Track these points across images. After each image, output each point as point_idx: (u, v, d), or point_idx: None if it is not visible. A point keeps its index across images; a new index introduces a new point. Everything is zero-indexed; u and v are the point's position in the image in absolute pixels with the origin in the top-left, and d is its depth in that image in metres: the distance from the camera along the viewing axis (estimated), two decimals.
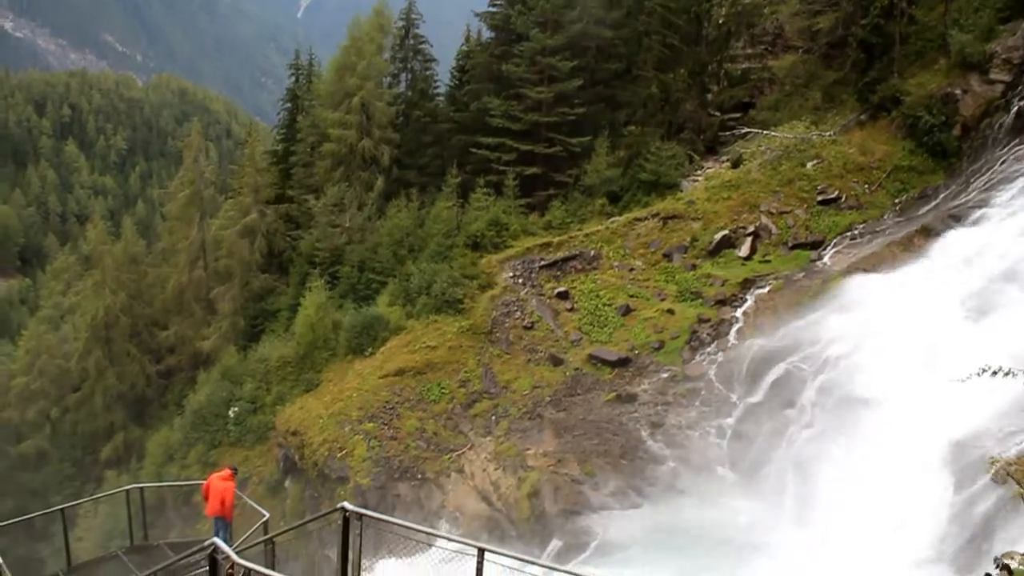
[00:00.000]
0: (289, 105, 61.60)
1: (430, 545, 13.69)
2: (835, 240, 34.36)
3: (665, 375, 31.70)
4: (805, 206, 36.17)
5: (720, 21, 44.83)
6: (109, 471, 53.25)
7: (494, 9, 51.93)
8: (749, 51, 47.05)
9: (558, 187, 45.35)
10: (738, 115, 43.42)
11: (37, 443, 60.45)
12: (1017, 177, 29.12)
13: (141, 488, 20.94)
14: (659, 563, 22.41)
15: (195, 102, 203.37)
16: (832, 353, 26.92)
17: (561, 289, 36.26)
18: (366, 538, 12.64)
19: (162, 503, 38.68)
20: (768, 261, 34.86)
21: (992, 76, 34.47)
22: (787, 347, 28.58)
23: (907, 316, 25.97)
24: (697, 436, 28.71)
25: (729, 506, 25.00)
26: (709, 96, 43.89)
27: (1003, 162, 30.94)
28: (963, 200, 30.73)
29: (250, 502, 20.28)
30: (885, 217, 34.65)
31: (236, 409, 41.30)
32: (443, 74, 58.62)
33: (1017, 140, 31.31)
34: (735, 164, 39.51)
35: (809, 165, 37.33)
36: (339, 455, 32.31)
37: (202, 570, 12.45)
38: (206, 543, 12.51)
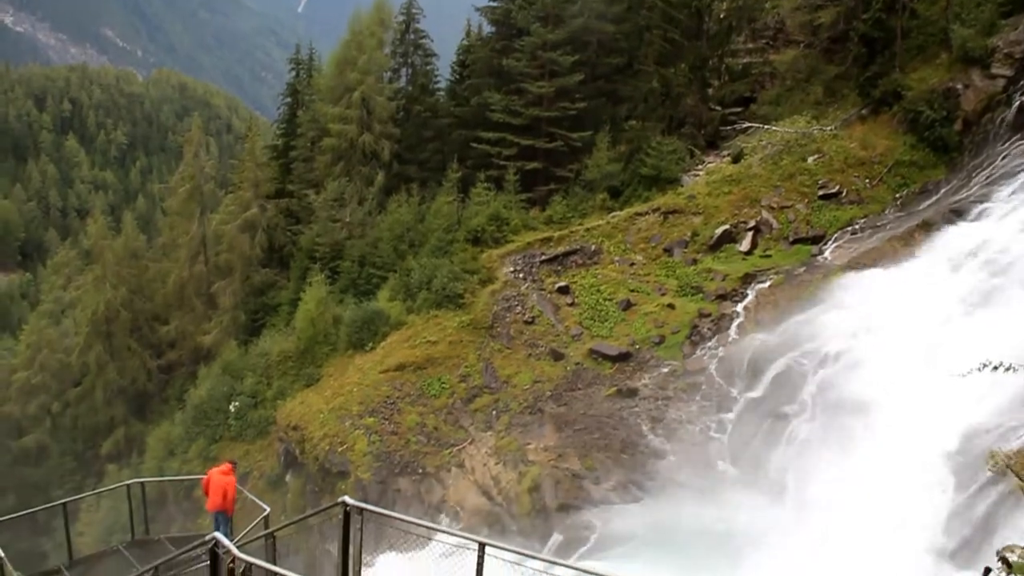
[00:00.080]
0: (289, 100, 61.52)
1: (430, 539, 13.69)
2: (836, 235, 34.30)
3: (666, 370, 31.70)
4: (806, 201, 36.13)
5: (721, 16, 44.74)
6: (110, 465, 53.35)
7: (495, 4, 51.82)
8: (750, 46, 46.98)
9: (559, 182, 45.34)
10: (739, 110, 43.35)
11: (38, 437, 60.51)
12: (1018, 172, 29.06)
13: (142, 483, 20.94)
14: (659, 558, 22.43)
15: (195, 97, 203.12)
16: (833, 348, 26.89)
17: (562, 284, 36.24)
18: (367, 532, 12.64)
19: (163, 497, 38.78)
20: (769, 256, 34.84)
21: (994, 71, 34.40)
22: (788, 342, 28.56)
23: (908, 311, 25.95)
24: (698, 431, 28.72)
25: (729, 501, 24.97)
26: (710, 91, 43.81)
27: (1004, 157, 30.88)
28: (964, 195, 30.68)
29: (251, 496, 20.29)
30: (886, 212, 34.59)
31: (237, 404, 41.36)
32: (444, 69, 58.57)
33: (1019, 135, 31.23)
34: (736, 159, 39.45)
35: (810, 160, 37.29)
36: (340, 450, 32.35)
37: (203, 564, 12.48)
38: (207, 537, 12.54)
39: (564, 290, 36.08)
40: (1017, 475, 13.27)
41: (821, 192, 36.09)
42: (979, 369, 11.56)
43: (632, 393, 31.06)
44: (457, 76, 56.34)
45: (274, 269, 55.33)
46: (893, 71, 37.22)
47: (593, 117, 46.73)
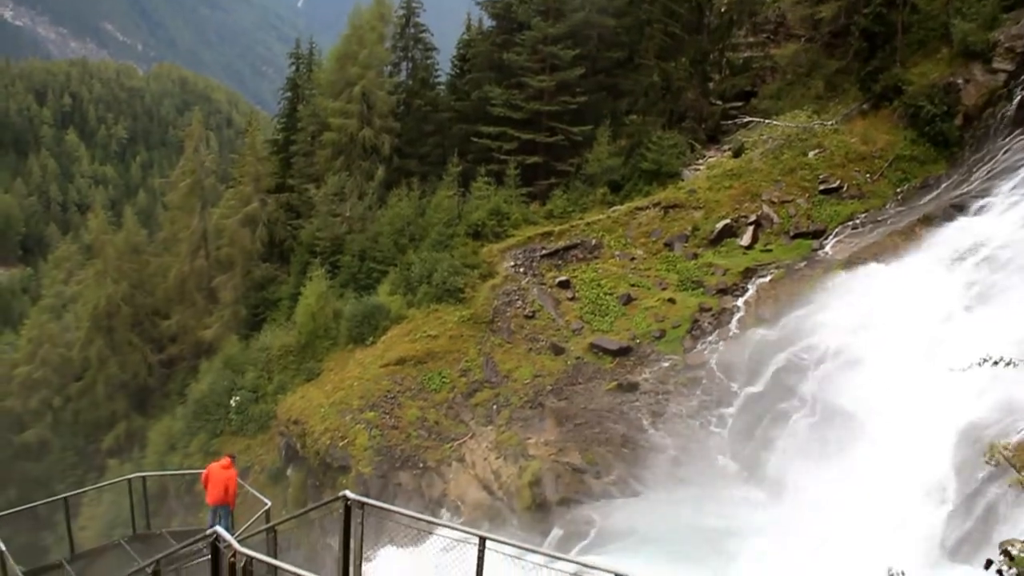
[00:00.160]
0: (290, 94, 61.49)
1: (431, 534, 13.73)
2: (837, 229, 34.27)
3: (666, 364, 31.69)
4: (807, 195, 36.09)
5: (722, 9, 44.69)
6: (111, 460, 53.44)
7: None
8: (751, 40, 46.86)
9: (559, 176, 45.31)
10: (740, 104, 43.29)
11: (39, 432, 60.63)
12: (1019, 167, 29.04)
13: (143, 477, 20.93)
14: (658, 552, 22.44)
15: (196, 91, 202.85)
16: (833, 344, 26.89)
17: (562, 278, 36.24)
18: (368, 526, 12.66)
19: (164, 492, 38.82)
20: (769, 250, 34.82)
21: (995, 65, 34.29)
22: (788, 337, 28.56)
23: (909, 306, 25.93)
24: (698, 425, 28.75)
25: (729, 496, 25.02)
26: (711, 85, 43.77)
27: (1005, 151, 30.84)
28: (965, 190, 30.66)
29: (252, 491, 20.32)
30: (887, 207, 34.54)
31: (238, 398, 41.43)
32: (444, 63, 58.51)
33: (1020, 130, 31.18)
34: (737, 153, 39.42)
35: (811, 154, 37.24)
36: (340, 444, 32.38)
37: (204, 558, 12.49)
38: (208, 531, 12.55)
39: (565, 284, 36.08)
40: (1016, 468, 13.25)
41: (822, 187, 36.06)
42: (979, 364, 11.52)
43: (633, 387, 31.08)
44: (457, 70, 56.28)
45: (275, 264, 55.36)
46: (894, 66, 37.15)
47: (594, 111, 46.69)
